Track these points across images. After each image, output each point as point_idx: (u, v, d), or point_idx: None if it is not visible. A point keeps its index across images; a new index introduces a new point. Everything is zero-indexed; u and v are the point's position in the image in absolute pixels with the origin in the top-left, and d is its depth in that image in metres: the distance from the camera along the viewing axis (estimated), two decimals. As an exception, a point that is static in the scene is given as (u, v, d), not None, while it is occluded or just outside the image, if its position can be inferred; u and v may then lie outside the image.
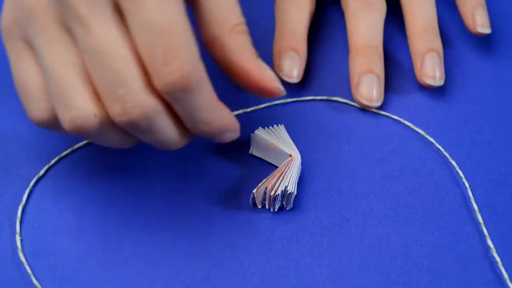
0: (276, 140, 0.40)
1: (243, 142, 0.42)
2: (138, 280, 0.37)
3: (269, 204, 0.39)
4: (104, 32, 0.30)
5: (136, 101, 0.30)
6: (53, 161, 0.41)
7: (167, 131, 0.33)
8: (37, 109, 0.33)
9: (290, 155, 0.40)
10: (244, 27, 0.34)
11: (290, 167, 0.39)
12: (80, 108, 0.31)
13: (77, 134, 0.32)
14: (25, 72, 0.33)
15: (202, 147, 0.42)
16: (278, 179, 0.38)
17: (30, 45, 0.33)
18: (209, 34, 0.34)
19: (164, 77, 0.30)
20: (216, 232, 0.39)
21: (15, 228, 0.38)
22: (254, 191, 0.38)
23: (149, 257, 0.38)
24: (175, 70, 0.30)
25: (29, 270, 0.36)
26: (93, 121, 0.31)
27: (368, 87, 0.43)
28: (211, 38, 0.34)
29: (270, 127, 0.41)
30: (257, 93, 0.35)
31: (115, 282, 0.37)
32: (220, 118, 0.34)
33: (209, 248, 0.38)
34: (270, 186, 0.38)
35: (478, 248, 0.38)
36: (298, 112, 0.44)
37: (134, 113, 0.31)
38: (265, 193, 0.38)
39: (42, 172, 0.40)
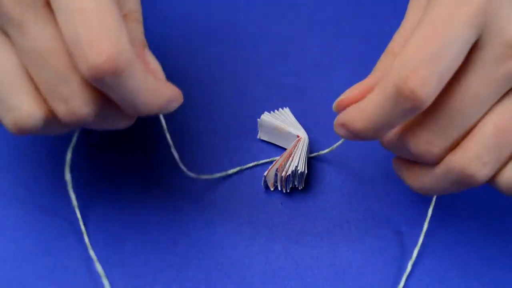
0: (283, 123, 0.41)
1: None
2: (138, 280, 0.37)
3: (281, 185, 0.40)
4: (38, 32, 0.29)
5: (81, 99, 0.29)
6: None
7: (113, 120, 0.32)
8: None
9: (298, 136, 0.40)
10: (138, 15, 0.33)
11: (299, 147, 0.40)
12: (22, 110, 0.30)
13: (21, 134, 0.31)
14: None
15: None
16: (288, 160, 0.39)
17: None
18: None
19: (89, 60, 0.28)
20: (216, 232, 0.39)
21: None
22: (265, 173, 0.39)
23: (149, 257, 0.38)
24: (101, 52, 0.28)
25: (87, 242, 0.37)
26: (36, 122, 0.30)
27: None
28: None
29: (276, 111, 0.42)
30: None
31: (115, 282, 0.37)
32: (160, 97, 0.31)
33: (209, 249, 0.38)
34: (281, 167, 0.39)
35: (478, 248, 0.39)
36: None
37: (81, 112, 0.29)
38: (276, 174, 0.39)
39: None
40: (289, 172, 0.39)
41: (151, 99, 0.31)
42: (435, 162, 0.31)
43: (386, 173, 0.42)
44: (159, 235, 0.38)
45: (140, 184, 0.40)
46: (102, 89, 0.29)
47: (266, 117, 0.41)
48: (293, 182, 0.40)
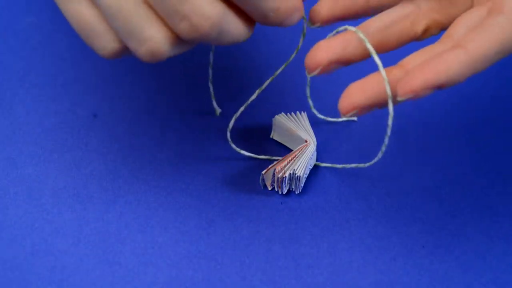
0: (295, 126, 0.41)
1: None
2: (138, 280, 0.37)
3: (277, 186, 0.40)
4: None
5: (203, 13, 0.31)
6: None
7: (236, 29, 0.33)
8: (108, 42, 0.33)
9: (306, 141, 0.40)
10: None
11: (303, 152, 0.40)
12: (153, 38, 0.31)
13: (154, 61, 0.33)
14: (83, 12, 0.33)
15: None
16: (288, 162, 0.39)
17: None
18: None
19: None
20: (216, 232, 0.39)
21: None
22: (263, 172, 0.39)
23: (149, 257, 0.38)
24: None
25: None
26: (168, 47, 0.32)
27: None
28: None
29: (293, 113, 0.42)
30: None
31: (115, 282, 0.37)
32: (287, 1, 0.33)
33: (209, 249, 0.38)
34: (279, 168, 0.39)
35: (478, 248, 0.38)
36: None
37: (204, 26, 0.31)
38: (274, 175, 0.39)
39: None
40: (286, 174, 0.39)
41: (278, 3, 0.32)
42: None
43: (386, 173, 0.42)
44: (158, 235, 0.38)
45: (139, 182, 0.41)
46: None
47: (280, 118, 0.42)
48: (290, 185, 0.40)
